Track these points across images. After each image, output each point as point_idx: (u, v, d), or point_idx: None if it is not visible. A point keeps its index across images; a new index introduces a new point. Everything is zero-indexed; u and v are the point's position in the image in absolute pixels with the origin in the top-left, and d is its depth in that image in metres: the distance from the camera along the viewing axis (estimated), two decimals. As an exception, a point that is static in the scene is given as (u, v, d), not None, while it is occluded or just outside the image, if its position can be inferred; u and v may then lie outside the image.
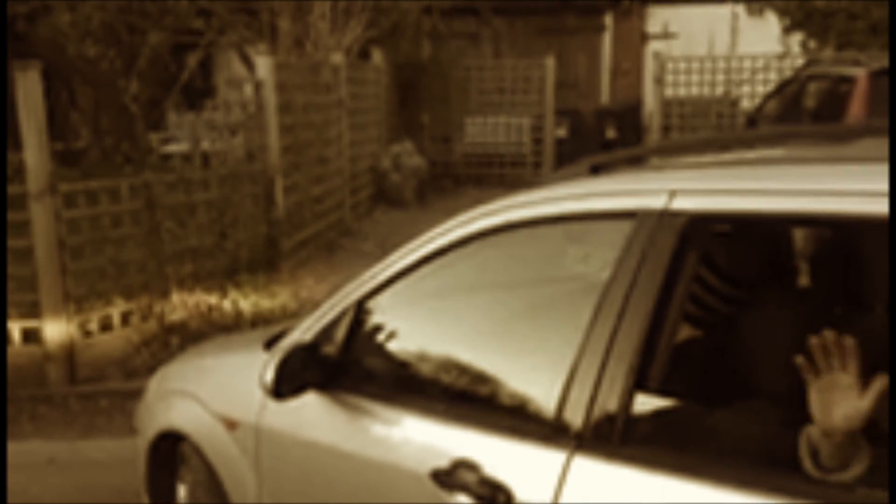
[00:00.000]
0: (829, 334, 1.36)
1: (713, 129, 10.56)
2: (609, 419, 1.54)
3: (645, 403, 1.57)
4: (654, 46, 12.87)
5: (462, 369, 1.97)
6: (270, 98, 6.43)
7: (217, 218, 5.76)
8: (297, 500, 2.20)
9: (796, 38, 11.09)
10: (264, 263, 6.16)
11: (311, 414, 2.11)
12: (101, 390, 4.79)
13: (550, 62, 11.61)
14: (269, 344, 2.45)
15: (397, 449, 1.91)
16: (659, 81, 10.86)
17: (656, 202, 1.60)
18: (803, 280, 2.09)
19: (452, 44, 12.75)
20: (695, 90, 10.89)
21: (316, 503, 2.13)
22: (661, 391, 1.58)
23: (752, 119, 8.76)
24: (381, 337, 2.14)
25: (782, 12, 11.14)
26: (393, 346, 2.13)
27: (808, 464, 1.41)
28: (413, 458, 1.83)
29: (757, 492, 1.34)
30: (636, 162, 1.91)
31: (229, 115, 6.25)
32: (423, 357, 2.08)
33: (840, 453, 1.37)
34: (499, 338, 2.01)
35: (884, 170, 1.38)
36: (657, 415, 1.60)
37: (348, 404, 2.05)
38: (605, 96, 13.88)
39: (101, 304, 5.02)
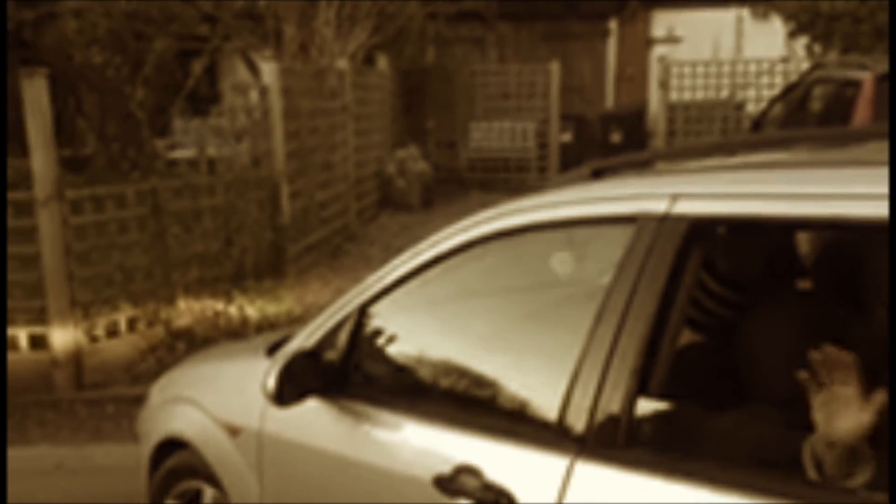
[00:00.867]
0: (829, 348, 1.38)
1: (718, 134, 10.55)
2: (611, 423, 1.54)
3: (647, 407, 1.56)
4: (658, 51, 12.87)
5: (464, 374, 1.97)
6: (276, 104, 6.44)
7: (223, 224, 5.77)
8: None
9: (801, 42, 11.08)
10: (270, 269, 6.17)
11: (314, 420, 2.11)
12: (107, 396, 4.80)
13: (555, 67, 11.62)
14: (271, 350, 2.44)
15: (400, 455, 1.91)
16: (663, 86, 10.86)
17: (658, 206, 1.60)
18: (806, 284, 2.09)
19: (457, 49, 12.78)
20: (700, 94, 10.88)
21: None
22: (664, 395, 1.58)
23: (758, 123, 8.75)
24: (382, 342, 2.14)
25: (787, 16, 11.12)
26: (395, 352, 2.13)
27: (812, 473, 1.41)
28: (415, 464, 1.83)
29: (759, 496, 1.34)
30: (638, 166, 1.91)
31: (235, 121, 6.27)
32: (424, 362, 2.08)
33: (844, 463, 1.38)
34: (501, 342, 2.01)
35: (885, 173, 1.38)
36: (659, 419, 1.60)
37: (351, 410, 2.05)
38: (609, 101, 13.87)
39: (108, 310, 5.04)
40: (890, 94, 5.79)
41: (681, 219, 1.56)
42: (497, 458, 1.69)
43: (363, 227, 8.80)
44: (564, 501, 1.55)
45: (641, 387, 1.54)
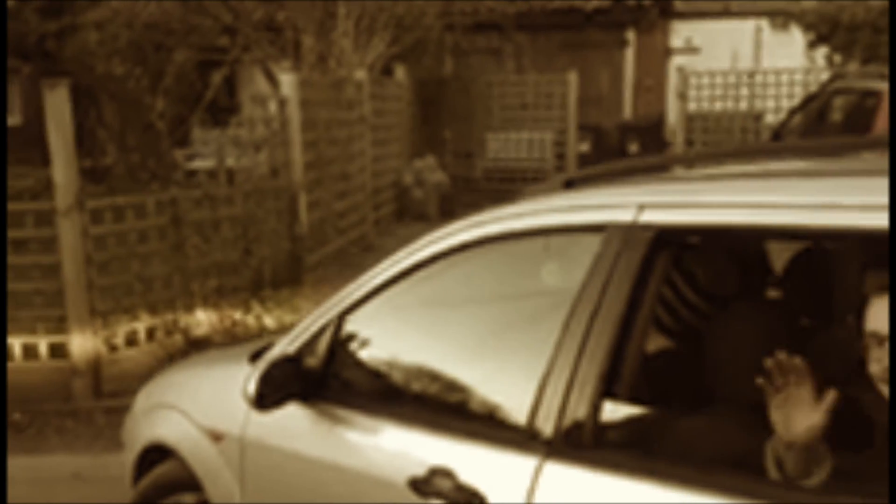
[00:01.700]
0: (781, 354, 1.45)
1: (737, 145, 10.50)
2: (579, 426, 1.59)
3: (614, 410, 1.61)
4: (677, 61, 12.83)
5: (439, 380, 2.02)
6: (294, 114, 6.48)
7: (241, 234, 5.80)
8: None
9: (821, 53, 11.02)
10: (288, 278, 6.19)
11: (294, 425, 2.14)
12: (126, 405, 4.79)
13: (573, 77, 11.61)
14: (255, 357, 2.47)
15: (376, 458, 1.96)
16: (682, 96, 10.82)
17: (625, 216, 1.65)
18: (772, 292, 2.15)
19: (475, 59, 12.80)
20: (718, 105, 10.83)
21: None
22: (631, 398, 1.63)
23: (777, 134, 8.70)
24: (361, 349, 2.19)
25: (807, 26, 11.07)
26: (372, 358, 2.18)
27: (773, 472, 1.47)
28: (391, 467, 1.88)
29: (723, 495, 1.38)
30: (609, 177, 1.95)
31: (254, 132, 6.31)
32: (401, 368, 2.13)
33: (802, 462, 1.44)
34: (474, 349, 2.05)
35: (858, 183, 1.44)
36: (626, 421, 1.65)
37: (330, 415, 2.08)
38: (627, 111, 13.85)
39: (127, 319, 5.07)
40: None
41: (647, 227, 1.62)
42: (470, 461, 1.74)
43: (380, 236, 8.81)
44: (533, 501, 1.59)
45: (608, 390, 1.59)
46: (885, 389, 1.54)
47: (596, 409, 1.59)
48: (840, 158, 1.79)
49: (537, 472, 1.60)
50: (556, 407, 1.62)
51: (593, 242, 1.69)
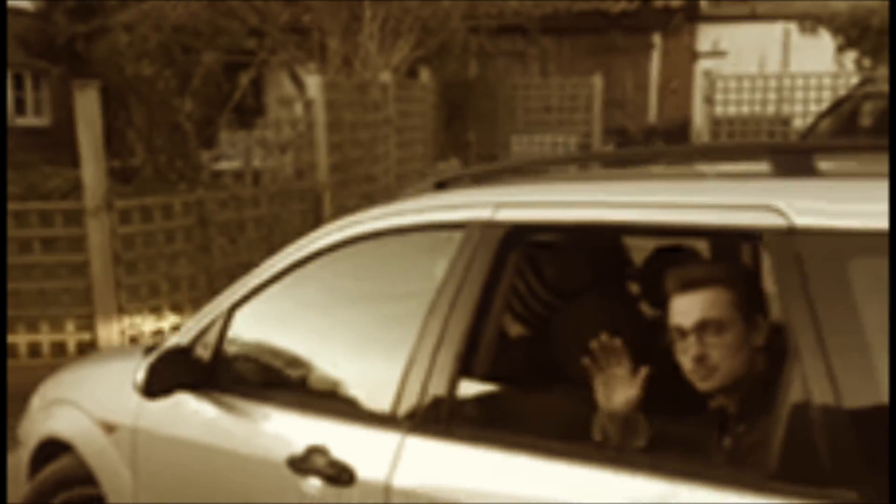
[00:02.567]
0: (603, 337, 1.70)
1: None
2: (437, 404, 1.77)
3: (470, 389, 1.82)
4: (703, 65, 12.75)
5: (316, 368, 2.20)
6: (320, 116, 6.51)
7: (267, 234, 5.83)
8: (172, 497, 2.28)
9: (850, 57, 10.90)
10: (312, 280, 6.20)
11: (184, 413, 2.23)
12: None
13: (598, 81, 11.57)
14: (149, 350, 2.52)
15: (259, 441, 2.07)
16: (708, 100, 10.74)
17: (483, 214, 1.84)
18: (609, 282, 2.41)
19: (499, 62, 12.79)
20: (745, 109, 10.75)
21: (190, 499, 2.22)
22: (485, 379, 1.84)
23: (805, 138, 8.61)
24: (247, 340, 2.30)
25: (836, 30, 10.96)
26: (258, 349, 2.30)
27: (598, 437, 1.73)
28: (272, 448, 2.01)
29: (562, 459, 1.61)
30: (478, 178, 2.13)
31: (279, 134, 6.35)
32: (283, 358, 2.26)
33: (624, 431, 1.69)
34: (349, 340, 2.20)
35: (664, 186, 1.74)
36: (480, 399, 1.86)
37: (218, 402, 2.18)
38: (652, 115, 13.77)
39: (154, 318, 5.11)
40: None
41: (501, 224, 1.81)
42: (342, 438, 1.90)
43: (404, 239, 8.81)
44: (396, 471, 1.76)
45: (465, 372, 1.78)
46: (692, 378, 1.71)
47: (453, 388, 1.77)
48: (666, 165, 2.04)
49: (400, 446, 1.78)
50: (418, 388, 1.79)
51: (452, 237, 1.87)
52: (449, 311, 1.79)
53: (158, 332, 5.12)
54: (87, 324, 4.88)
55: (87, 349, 4.88)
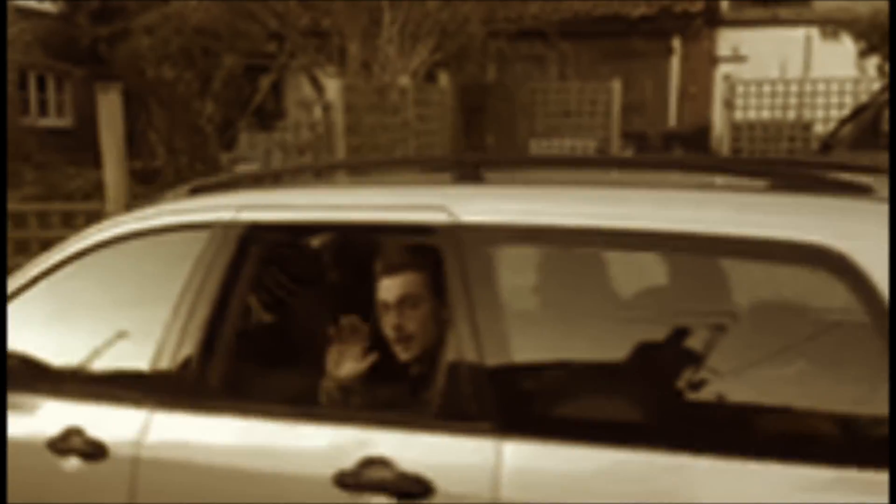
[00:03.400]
0: (352, 318, 2.10)
1: (784, 154, 10.34)
2: (182, 383, 2.04)
3: (215, 370, 2.06)
4: (723, 69, 12.68)
5: (76, 357, 2.32)
6: (339, 119, 6.54)
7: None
8: None
9: (873, 62, 10.80)
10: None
11: None
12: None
13: (617, 85, 11.55)
14: None
15: (22, 427, 2.20)
16: (728, 105, 10.68)
17: (226, 215, 2.10)
18: (334, 276, 2.74)
19: (518, 66, 12.79)
20: (766, 114, 10.67)
21: None
22: (229, 359, 2.07)
23: (826, 144, 8.55)
24: (20, 334, 2.37)
25: (858, 35, 10.86)
26: (26, 342, 2.37)
27: (324, 401, 2.09)
28: (34, 433, 2.16)
29: (293, 420, 1.94)
30: (232, 185, 2.33)
31: (299, 136, 6.39)
32: (49, 349, 2.38)
33: (343, 395, 2.08)
34: (108, 329, 2.34)
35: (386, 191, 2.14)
36: (223, 377, 2.09)
37: None
38: (672, 120, 13.72)
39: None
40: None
41: (241, 224, 2.07)
42: (97, 418, 2.09)
43: (421, 242, 8.82)
44: (144, 442, 2.00)
45: (208, 354, 2.03)
46: (395, 347, 2.14)
47: (199, 367, 2.03)
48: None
49: (148, 420, 2.03)
50: (167, 365, 2.05)
51: (201, 236, 2.10)
52: (194, 301, 2.04)
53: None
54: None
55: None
